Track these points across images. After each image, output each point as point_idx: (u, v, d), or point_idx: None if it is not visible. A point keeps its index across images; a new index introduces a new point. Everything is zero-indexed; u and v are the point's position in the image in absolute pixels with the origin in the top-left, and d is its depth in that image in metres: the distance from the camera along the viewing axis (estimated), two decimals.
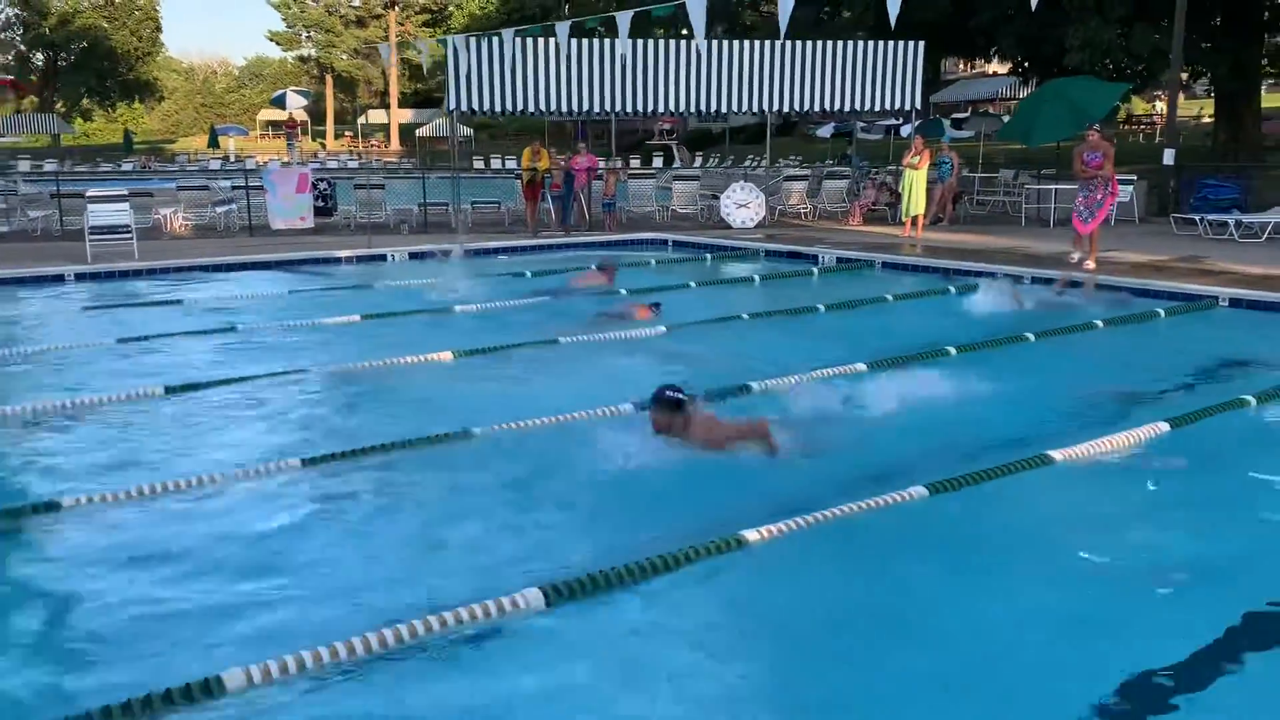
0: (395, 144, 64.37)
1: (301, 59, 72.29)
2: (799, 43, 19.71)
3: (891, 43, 19.82)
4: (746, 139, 56.52)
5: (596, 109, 19.42)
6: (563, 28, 17.04)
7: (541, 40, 18.56)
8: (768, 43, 19.66)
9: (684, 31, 34.16)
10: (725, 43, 19.53)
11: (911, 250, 15.53)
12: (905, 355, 8.33)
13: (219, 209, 19.03)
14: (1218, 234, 16.78)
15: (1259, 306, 10.49)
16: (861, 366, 7.95)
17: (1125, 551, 4.75)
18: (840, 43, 19.74)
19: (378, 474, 5.65)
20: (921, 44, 19.71)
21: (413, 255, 15.15)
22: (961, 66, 57.73)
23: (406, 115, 64.04)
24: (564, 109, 19.19)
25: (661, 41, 19.36)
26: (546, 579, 4.13)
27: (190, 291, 11.81)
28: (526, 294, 11.63)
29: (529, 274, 13.51)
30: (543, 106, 18.85)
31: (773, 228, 19.42)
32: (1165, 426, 6.30)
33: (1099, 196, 13.13)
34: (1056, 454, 5.75)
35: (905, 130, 29.10)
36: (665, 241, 17.40)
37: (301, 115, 74.23)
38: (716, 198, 19.95)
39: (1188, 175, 19.82)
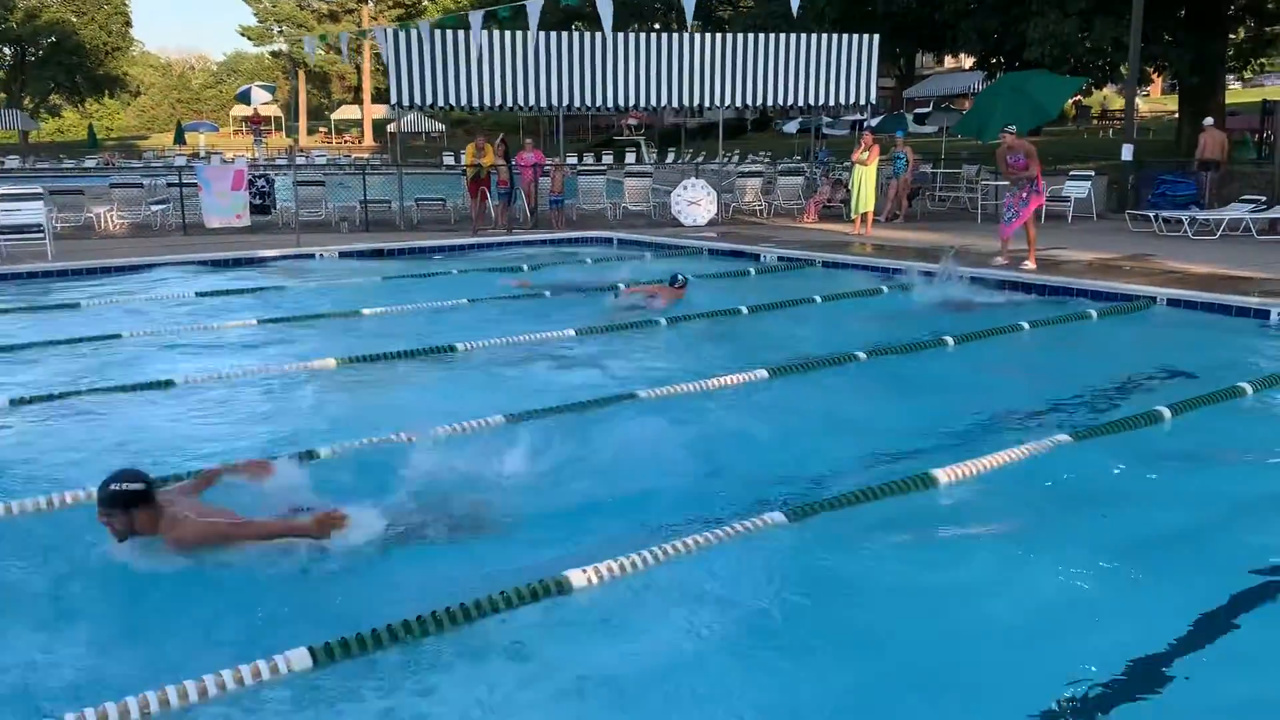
0: (369, 139, 63.72)
1: (274, 54, 71.52)
2: (752, 36, 19.30)
3: (846, 35, 19.43)
4: (722, 135, 56.28)
5: (551, 103, 18.97)
6: (536, 12, 16.41)
7: (480, 33, 18.10)
8: (719, 36, 19.27)
9: (635, 26, 33.74)
10: (677, 36, 19.07)
11: (861, 249, 15.13)
12: (815, 359, 7.94)
13: (154, 207, 18.50)
14: (1173, 231, 16.43)
15: (1195, 307, 10.11)
16: (763, 373, 7.54)
17: (1007, 579, 4.35)
18: (794, 36, 19.32)
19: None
20: (876, 37, 19.33)
21: (344, 254, 14.68)
22: (937, 61, 57.46)
23: (380, 110, 63.35)
24: (516, 103, 18.72)
25: (612, 35, 18.87)
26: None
27: (89, 294, 11.28)
28: (438, 297, 11.17)
29: (455, 271, 13.08)
30: (489, 101, 18.37)
31: (726, 225, 19.02)
32: (1065, 438, 5.90)
33: (1024, 196, 12.74)
34: (940, 474, 5.34)
35: (870, 125, 28.72)
36: (610, 240, 16.97)
37: (271, 110, 73.72)
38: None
39: (1146, 171, 19.48)
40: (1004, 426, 6.37)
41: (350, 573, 4.27)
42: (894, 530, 4.79)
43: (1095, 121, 40.46)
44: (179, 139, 49.52)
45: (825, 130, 29.08)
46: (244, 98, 49.46)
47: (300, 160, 42.28)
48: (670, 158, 40.12)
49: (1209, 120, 19.38)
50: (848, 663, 3.71)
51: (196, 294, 11.41)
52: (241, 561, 4.26)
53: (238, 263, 13.91)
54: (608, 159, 39.47)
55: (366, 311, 10.23)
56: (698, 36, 19.19)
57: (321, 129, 69.22)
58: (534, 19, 15.92)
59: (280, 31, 65.85)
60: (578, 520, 4.87)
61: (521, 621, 3.84)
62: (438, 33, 17.95)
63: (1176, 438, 6.25)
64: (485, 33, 17.51)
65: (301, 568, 4.29)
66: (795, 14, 14.47)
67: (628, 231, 17.54)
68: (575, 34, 18.47)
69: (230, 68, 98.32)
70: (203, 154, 45.87)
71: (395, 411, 6.59)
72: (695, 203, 19.13)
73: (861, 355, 8.18)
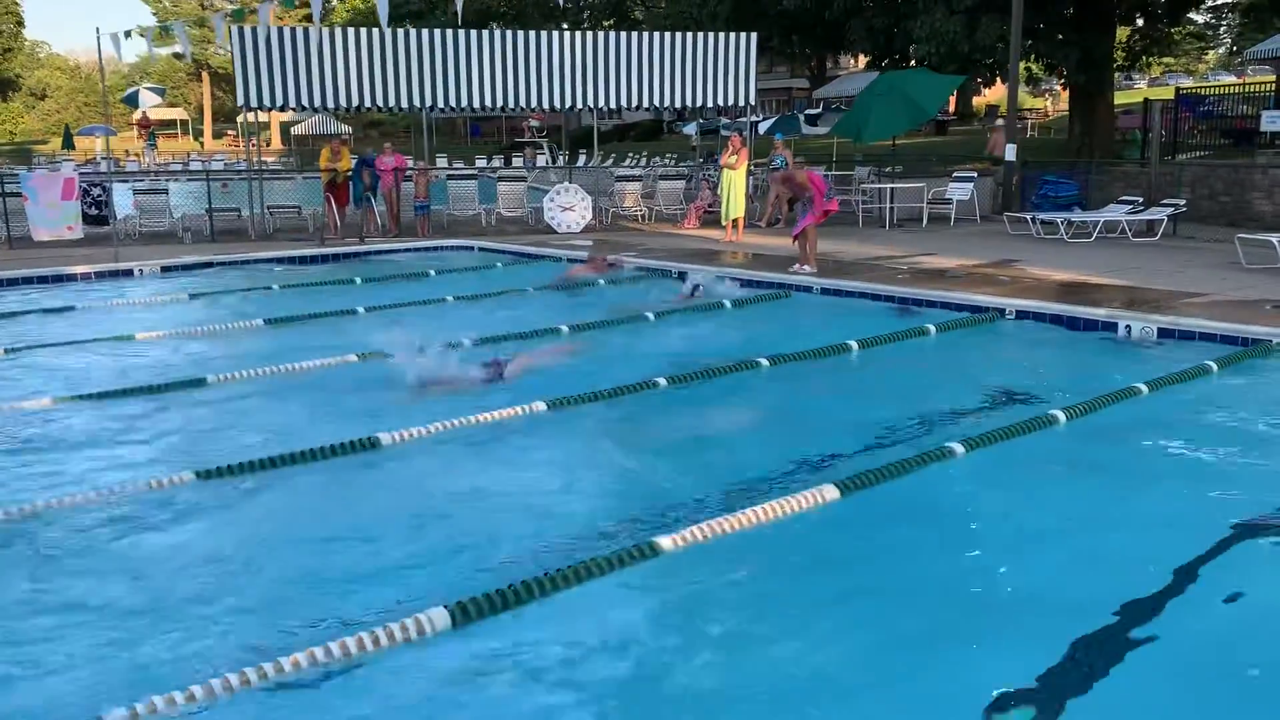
0: (276, 142, 61.84)
1: (178, 55, 69.03)
2: (625, 35, 18.54)
3: (724, 35, 18.73)
4: (638, 136, 55.54)
5: (414, 104, 17.98)
6: (384, 7, 15.40)
7: (349, 31, 17.12)
8: (588, 35, 18.47)
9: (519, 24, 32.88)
10: (545, 35, 18.21)
11: (728, 258, 14.41)
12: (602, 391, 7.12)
13: None
14: (1050, 233, 15.98)
15: (1043, 319, 9.51)
16: (541, 406, 6.71)
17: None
18: (669, 35, 18.57)
19: None
20: (754, 36, 18.65)
21: (166, 269, 13.56)
22: (852, 62, 57.37)
23: (288, 114, 61.47)
24: (375, 104, 17.70)
25: (485, 33, 17.97)
26: None
27: None
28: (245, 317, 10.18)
29: (276, 287, 12.07)
30: (344, 101, 17.33)
31: (604, 231, 18.21)
32: (833, 493, 5.14)
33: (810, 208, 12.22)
34: (664, 541, 4.54)
35: (764, 127, 28.14)
36: (471, 248, 16.06)
37: (176, 114, 71.31)
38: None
39: (1030, 172, 19.09)
40: (767, 477, 5.58)
41: None
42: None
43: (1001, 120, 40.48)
44: (67, 144, 47.29)
45: (724, 132, 28.40)
46: (131, 100, 47.28)
47: (196, 165, 40.68)
48: (581, 160, 39.27)
49: (999, 121, 19.22)
50: None
51: None
52: None
53: (42, 280, 12.71)
54: (518, 162, 38.55)
55: (141, 336, 9.20)
56: (566, 36, 18.34)
57: (229, 132, 67.04)
58: (383, 15, 14.95)
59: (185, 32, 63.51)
60: None
61: None
62: (286, 30, 16.91)
63: (972, 479, 5.54)
64: (328, 30, 16.50)
65: None
66: (384, 23, 13.96)
67: (496, 239, 16.65)
68: (433, 32, 17.50)
69: (141, 69, 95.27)
70: (100, 159, 43.79)
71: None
72: (568, 208, 18.29)
73: (662, 382, 7.40)
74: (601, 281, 12.31)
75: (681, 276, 11.75)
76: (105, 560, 4.60)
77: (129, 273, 13.32)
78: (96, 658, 3.73)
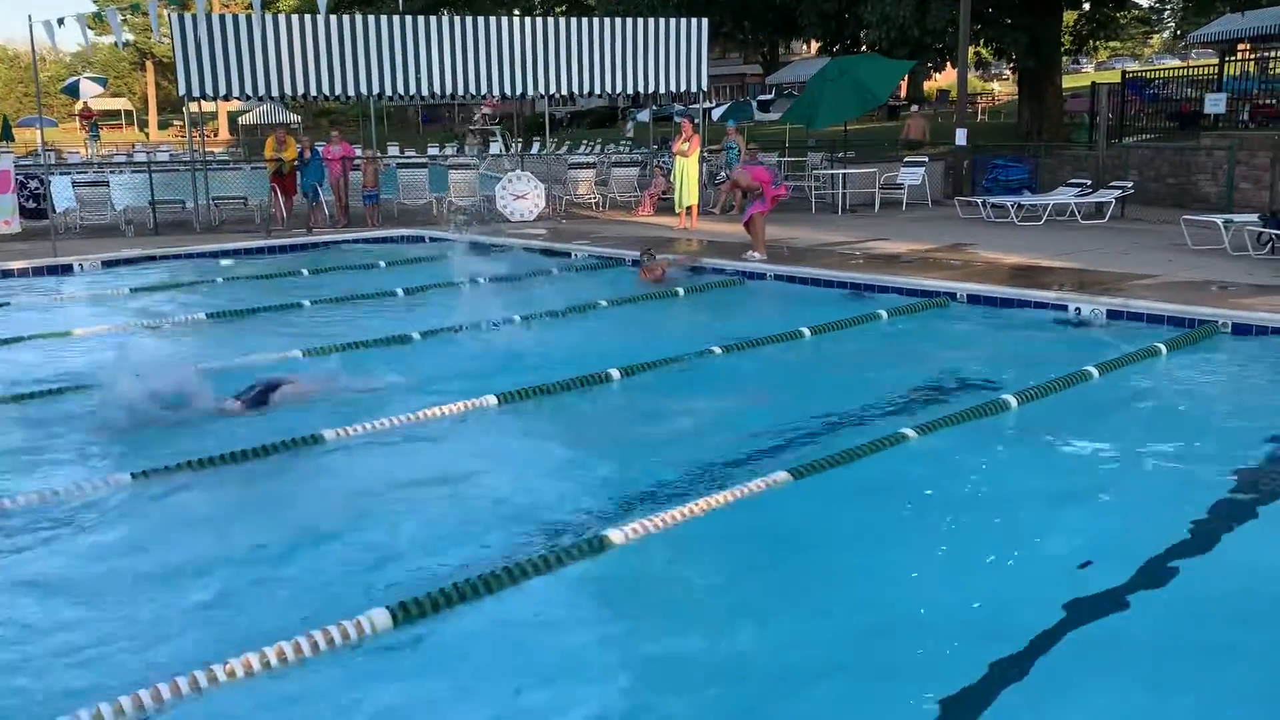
0: (224, 133, 60.76)
1: (125, 44, 67.49)
2: (574, 21, 18.33)
3: (674, 21, 18.58)
4: (592, 123, 55.27)
5: (360, 92, 17.66)
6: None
7: (294, 18, 16.77)
8: (537, 21, 18.24)
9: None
10: (494, 21, 17.95)
11: (688, 246, 14.33)
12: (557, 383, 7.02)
13: None
14: (1000, 217, 16.08)
15: (993, 304, 9.55)
16: (492, 399, 6.60)
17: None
18: (621, 21, 18.40)
19: None
20: (705, 22, 18.52)
21: (108, 264, 13.22)
22: (805, 47, 57.46)
23: (235, 103, 60.41)
24: (321, 92, 17.36)
25: (435, 20, 17.67)
26: None
27: None
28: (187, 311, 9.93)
29: (219, 280, 11.79)
30: (289, 90, 16.96)
31: (557, 219, 18.06)
32: (784, 477, 5.09)
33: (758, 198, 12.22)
34: (614, 534, 4.46)
35: (717, 114, 28.07)
36: (422, 238, 15.84)
37: (120, 104, 69.84)
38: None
39: (981, 155, 19.20)
40: (724, 462, 5.52)
41: None
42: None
43: (950, 104, 40.75)
44: (5, 135, 46.01)
45: (677, 119, 28.28)
46: (72, 90, 46.09)
47: (140, 156, 39.80)
48: (535, 148, 38.97)
49: (914, 107, 19.42)
50: None
51: None
52: None
53: None
54: (450, 150, 38.15)
55: (79, 332, 8.94)
56: (515, 21, 18.10)
57: (176, 122, 65.71)
58: (322, 2, 14.67)
59: (124, 21, 62.19)
60: None
61: None
62: (229, 17, 16.52)
63: (924, 463, 5.52)
64: (272, 17, 16.15)
65: None
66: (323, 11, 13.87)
67: (446, 228, 16.43)
68: (379, 19, 17.18)
69: (83, 59, 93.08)
70: (40, 151, 42.62)
71: None
72: (521, 196, 18.11)
73: (616, 374, 7.31)
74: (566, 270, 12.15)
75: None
76: (36, 563, 4.44)
77: (67, 267, 12.97)
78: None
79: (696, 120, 16.84)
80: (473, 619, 3.85)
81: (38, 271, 12.67)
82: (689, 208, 15.96)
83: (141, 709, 3.21)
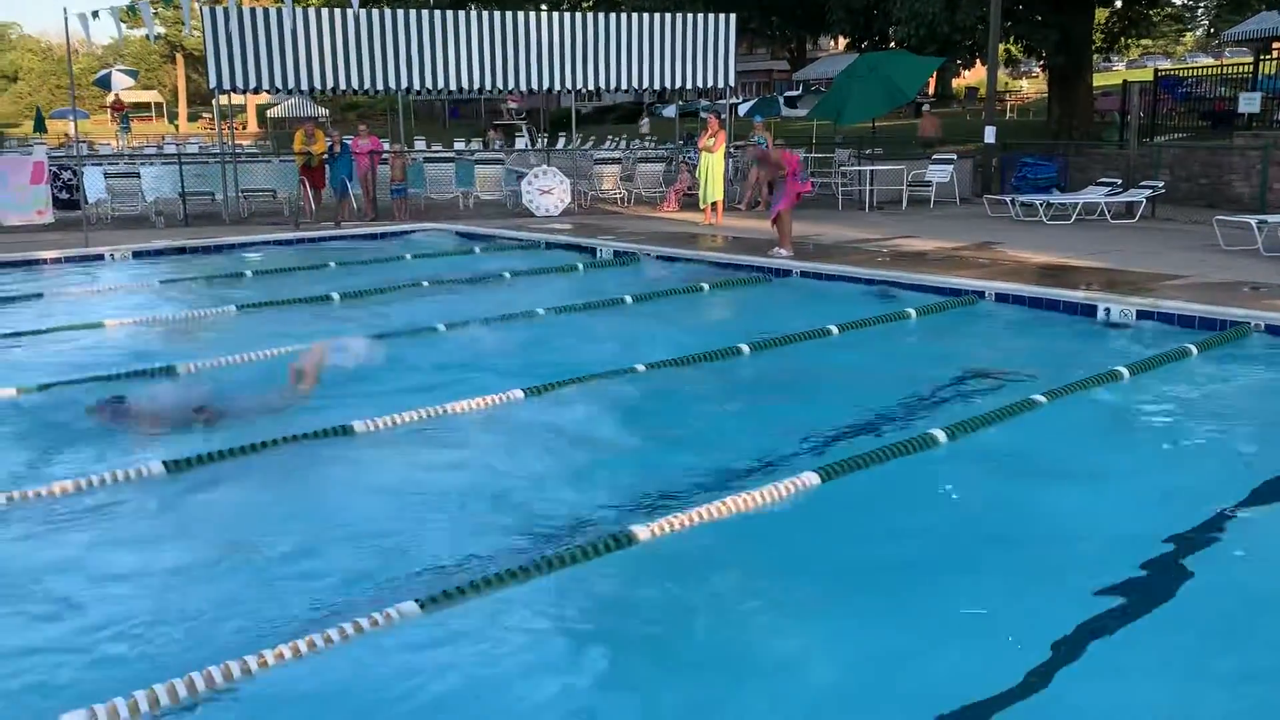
0: (253, 125, 61.21)
1: (157, 37, 68.11)
2: (603, 16, 18.37)
3: (703, 16, 18.58)
4: (618, 118, 55.24)
5: (389, 86, 17.77)
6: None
7: (324, 11, 16.88)
8: (566, 16, 18.31)
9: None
10: (522, 16, 18.01)
11: (708, 241, 14.32)
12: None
13: None
14: (1029, 215, 15.97)
15: (1022, 302, 9.48)
16: (518, 393, 6.62)
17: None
18: (649, 16, 18.41)
19: None
20: (734, 17, 18.51)
21: (139, 254, 13.35)
22: (833, 43, 57.24)
23: (265, 96, 60.81)
24: (350, 86, 17.49)
25: (463, 14, 17.76)
26: None
27: None
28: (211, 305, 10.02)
29: (249, 274, 11.89)
30: (319, 84, 17.12)
31: (583, 214, 18.08)
32: (814, 479, 5.08)
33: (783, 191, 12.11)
34: (641, 530, 4.47)
35: (743, 109, 28.01)
36: (448, 232, 15.89)
37: (150, 96, 70.45)
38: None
39: (1010, 154, 19.06)
40: (749, 462, 5.52)
41: None
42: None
43: (979, 101, 40.47)
44: (39, 127, 46.60)
45: (703, 114, 28.25)
46: (103, 83, 46.52)
47: (170, 148, 40.12)
48: (560, 143, 39.01)
49: (927, 107, 19.44)
50: None
51: None
52: None
53: (10, 265, 12.49)
54: (476, 145, 38.20)
55: (110, 323, 9.04)
56: (545, 16, 18.16)
57: (205, 115, 66.22)
58: None
59: (155, 14, 62.74)
60: None
61: None
62: (259, 10, 16.65)
63: (953, 465, 5.49)
64: (302, 10, 16.26)
65: None
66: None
67: (472, 223, 16.49)
68: (409, 12, 17.27)
69: (115, 51, 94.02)
70: (74, 142, 43.03)
71: None
72: (547, 191, 18.13)
73: (640, 368, 7.32)
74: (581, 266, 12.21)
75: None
76: (71, 552, 4.50)
77: (99, 257, 13.12)
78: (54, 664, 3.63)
79: (723, 116, 16.79)
80: (495, 611, 3.86)
81: (70, 260, 12.86)
82: (714, 203, 15.94)
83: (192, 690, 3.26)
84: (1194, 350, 7.58)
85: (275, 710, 3.33)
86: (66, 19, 13.90)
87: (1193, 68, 26.56)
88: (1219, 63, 32.33)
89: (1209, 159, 17.30)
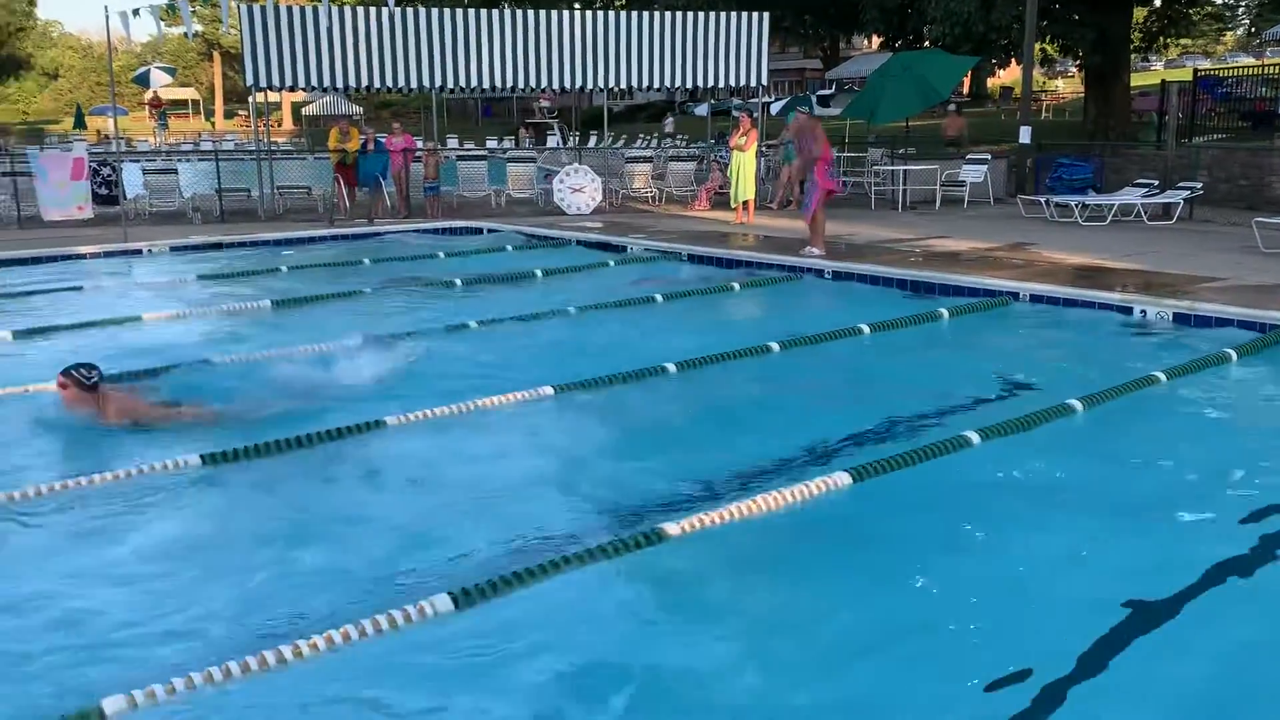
0: (288, 123, 61.77)
1: (195, 34, 68.90)
2: (635, 15, 18.37)
3: (735, 14, 18.54)
4: (648, 117, 55.22)
5: (424, 84, 17.88)
6: None
7: (360, 10, 17.01)
8: (599, 14, 18.33)
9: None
10: (555, 14, 18.05)
11: (743, 240, 14.31)
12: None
13: None
14: (1064, 217, 15.82)
15: (1056, 303, 9.40)
16: (548, 390, 6.65)
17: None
18: (681, 14, 18.40)
19: None
20: (766, 16, 18.46)
21: (176, 249, 13.53)
22: (866, 42, 56.92)
23: (300, 94, 61.36)
24: (385, 84, 17.61)
25: (496, 12, 17.83)
26: None
27: None
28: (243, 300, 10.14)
29: (284, 269, 12.02)
30: (354, 82, 17.24)
31: (615, 213, 18.11)
32: (846, 479, 5.07)
33: (814, 182, 11.99)
34: (671, 527, 4.48)
35: (776, 108, 27.93)
36: (480, 230, 15.98)
37: (188, 94, 71.24)
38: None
39: (1046, 154, 18.88)
40: (778, 464, 5.51)
41: None
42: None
43: (1013, 101, 40.11)
44: (79, 124, 47.31)
45: (735, 113, 28.20)
46: (142, 80, 47.18)
47: (207, 145, 40.60)
48: (592, 141, 39.08)
49: (952, 106, 19.34)
50: None
51: None
52: None
53: (51, 260, 12.69)
54: (509, 143, 38.34)
55: (148, 316, 9.17)
56: (578, 15, 18.20)
57: (241, 112, 66.96)
58: None
59: (194, 12, 63.43)
60: None
61: None
62: (295, 9, 16.81)
63: (988, 467, 5.46)
64: (338, 9, 16.39)
65: None
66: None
67: (505, 220, 16.57)
68: (444, 11, 17.36)
69: (153, 49, 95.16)
70: (113, 139, 43.61)
71: None
72: (579, 190, 18.17)
73: (671, 368, 7.33)
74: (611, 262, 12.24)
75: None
76: (113, 542, 4.58)
77: (136, 252, 13.31)
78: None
79: (755, 115, 16.76)
80: (528, 606, 3.89)
81: (109, 255, 13.06)
82: (745, 202, 15.92)
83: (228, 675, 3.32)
84: (1233, 354, 7.48)
85: (312, 697, 3.37)
86: (108, 17, 14.09)
87: (1233, 67, 26.18)
88: (1260, 62, 31.83)
89: (1249, 160, 17.06)
